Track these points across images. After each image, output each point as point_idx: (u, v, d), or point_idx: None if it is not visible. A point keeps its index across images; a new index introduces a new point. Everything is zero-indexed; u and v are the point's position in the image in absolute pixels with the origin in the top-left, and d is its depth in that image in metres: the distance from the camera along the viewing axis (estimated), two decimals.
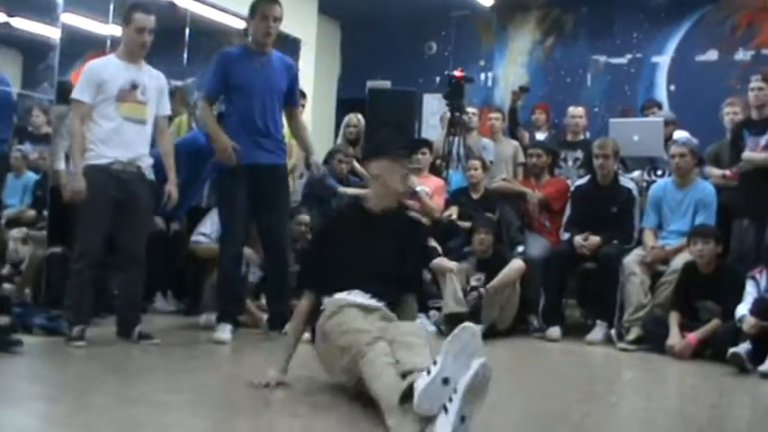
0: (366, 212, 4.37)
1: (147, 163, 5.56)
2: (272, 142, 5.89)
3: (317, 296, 4.25)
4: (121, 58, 5.53)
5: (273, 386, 4.18)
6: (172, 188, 5.67)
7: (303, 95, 8.94)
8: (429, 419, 3.13)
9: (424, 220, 7.28)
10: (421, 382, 3.18)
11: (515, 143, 8.81)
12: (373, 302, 4.04)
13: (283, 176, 6.07)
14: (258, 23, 5.80)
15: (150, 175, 5.59)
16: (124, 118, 5.43)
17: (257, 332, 6.13)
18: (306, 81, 11.38)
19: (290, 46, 11.56)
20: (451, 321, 4.71)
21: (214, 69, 5.92)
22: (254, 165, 5.77)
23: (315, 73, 11.78)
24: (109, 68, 5.46)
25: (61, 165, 6.41)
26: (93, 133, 5.37)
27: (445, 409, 3.04)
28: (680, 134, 7.59)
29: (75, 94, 5.42)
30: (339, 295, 4.09)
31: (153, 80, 5.63)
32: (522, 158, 8.53)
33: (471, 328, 3.20)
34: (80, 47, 7.90)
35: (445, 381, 3.09)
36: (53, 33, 7.19)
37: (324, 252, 4.38)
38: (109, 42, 8.16)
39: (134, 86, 5.48)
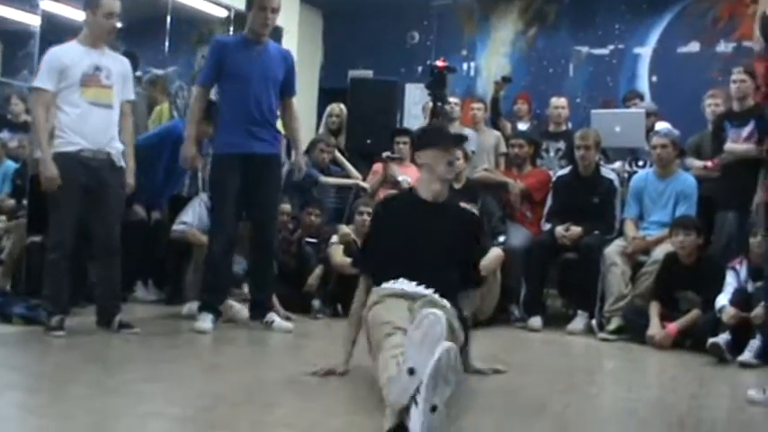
0: (417, 200, 4.41)
1: (116, 149, 5.48)
2: (267, 131, 5.89)
3: (373, 282, 4.28)
4: (83, 43, 5.44)
5: (339, 374, 4.25)
6: (129, 176, 5.58)
7: None
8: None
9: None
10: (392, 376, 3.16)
11: (497, 133, 8.81)
12: (420, 289, 4.04)
13: (276, 166, 6.07)
14: (257, 13, 5.80)
15: (120, 162, 5.50)
16: (90, 103, 5.35)
17: (238, 322, 6.11)
18: None
19: (272, 34, 11.51)
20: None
21: (208, 58, 5.93)
22: (248, 154, 5.76)
23: (297, 62, 11.68)
24: (70, 54, 5.37)
25: (39, 152, 6.35)
26: (60, 120, 5.30)
27: (415, 400, 2.99)
28: (661, 125, 7.61)
29: (36, 83, 5.34)
30: (386, 284, 4.12)
31: (116, 64, 5.55)
32: (503, 149, 8.53)
33: (433, 315, 3.15)
34: (60, 34, 7.82)
35: (411, 371, 3.02)
36: (33, 20, 7.14)
37: (377, 238, 4.45)
38: None
39: (97, 70, 5.40)
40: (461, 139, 5.04)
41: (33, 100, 5.40)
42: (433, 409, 2.95)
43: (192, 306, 6.22)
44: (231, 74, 5.80)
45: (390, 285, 4.10)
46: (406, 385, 3.03)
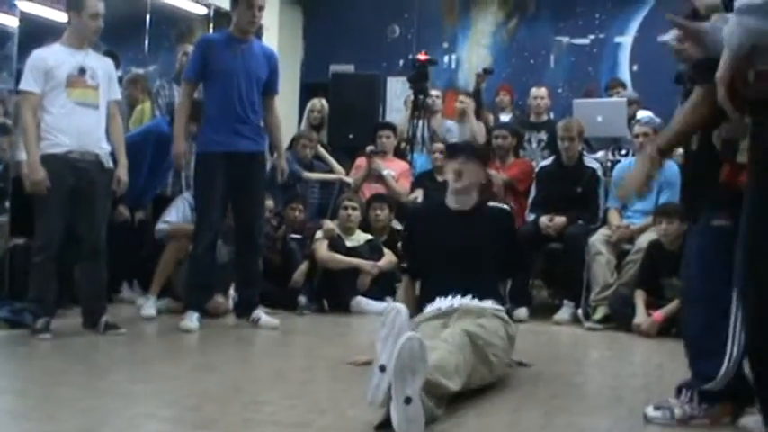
0: (445, 211, 4.49)
1: (104, 150, 5.48)
2: (251, 129, 5.89)
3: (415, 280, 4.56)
4: (67, 45, 5.43)
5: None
6: (122, 173, 5.55)
7: None
8: None
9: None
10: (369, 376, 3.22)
11: (480, 125, 8.81)
12: (456, 302, 4.15)
13: (261, 164, 6.07)
14: (243, 11, 5.81)
15: (109, 163, 5.49)
16: (76, 104, 5.34)
17: (224, 320, 6.10)
18: None
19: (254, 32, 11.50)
20: None
21: (193, 54, 5.97)
22: (232, 153, 5.76)
23: (278, 58, 11.69)
24: (55, 56, 5.36)
25: (22, 155, 6.27)
26: (46, 122, 5.28)
27: (391, 395, 3.03)
28: (643, 114, 7.63)
29: (23, 86, 5.32)
30: (426, 309, 4.24)
31: (101, 65, 5.55)
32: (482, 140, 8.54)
33: (395, 308, 3.25)
34: (39, 35, 7.79)
35: (382, 368, 3.09)
36: (11, 22, 7.08)
37: (414, 248, 4.58)
38: None
39: (82, 71, 5.39)
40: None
41: (20, 103, 5.38)
42: (407, 400, 2.99)
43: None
44: (216, 71, 5.80)
45: (428, 309, 4.22)
46: (378, 382, 3.10)
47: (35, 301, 5.28)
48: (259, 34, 9.88)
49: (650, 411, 3.58)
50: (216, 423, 3.35)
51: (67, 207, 5.31)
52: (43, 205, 5.27)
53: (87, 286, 5.58)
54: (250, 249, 6.02)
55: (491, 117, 9.10)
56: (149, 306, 6.18)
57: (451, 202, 4.46)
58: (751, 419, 3.38)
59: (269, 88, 6.06)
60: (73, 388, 3.92)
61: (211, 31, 9.93)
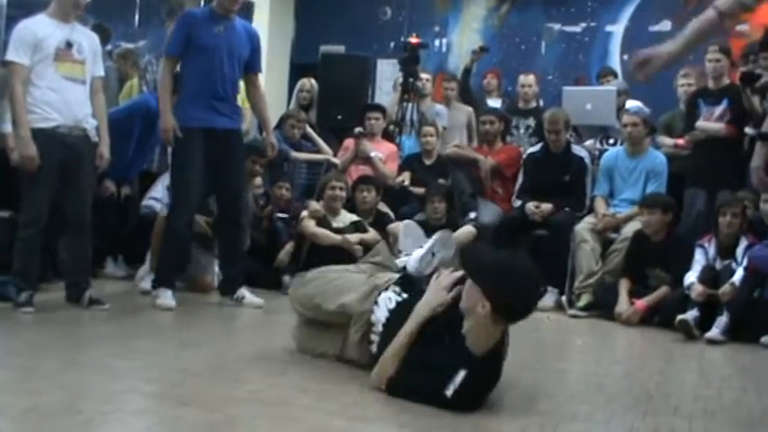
0: None
1: (91, 125, 5.42)
2: (229, 107, 5.84)
3: None
4: (53, 17, 5.33)
5: None
6: (104, 149, 5.49)
7: None
8: None
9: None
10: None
11: (469, 109, 8.81)
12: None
13: (239, 141, 6.04)
14: None
15: (95, 137, 5.44)
16: (64, 78, 5.27)
17: (209, 298, 6.09)
18: None
19: (244, 9, 11.40)
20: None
21: (177, 29, 5.86)
22: (210, 129, 5.72)
23: (268, 37, 11.64)
24: (42, 27, 5.26)
25: (7, 127, 6.22)
26: (34, 96, 5.20)
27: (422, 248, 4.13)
28: (632, 104, 7.63)
29: (11, 56, 5.20)
30: None
31: (87, 39, 5.47)
32: (474, 125, 8.54)
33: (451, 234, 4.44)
34: (26, 8, 7.73)
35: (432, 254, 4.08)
36: None
37: None
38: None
39: (69, 45, 5.31)
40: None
41: (9, 75, 5.27)
42: (433, 254, 4.06)
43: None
44: (198, 47, 5.72)
45: None
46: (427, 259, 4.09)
47: (19, 275, 5.25)
48: (250, 13, 9.88)
49: None
50: (198, 399, 3.35)
51: (55, 182, 5.27)
52: (31, 180, 5.21)
53: (72, 260, 5.54)
54: (233, 227, 5.99)
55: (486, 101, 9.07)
56: (147, 281, 6.04)
57: None
58: None
59: (251, 67, 6.01)
60: (55, 362, 3.90)
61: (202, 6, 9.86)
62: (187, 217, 5.85)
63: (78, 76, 5.36)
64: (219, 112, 5.77)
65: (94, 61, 5.52)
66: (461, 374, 3.33)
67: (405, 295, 3.89)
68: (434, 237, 4.27)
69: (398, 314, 3.76)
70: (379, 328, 3.83)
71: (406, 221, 5.14)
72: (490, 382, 3.50)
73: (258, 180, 6.89)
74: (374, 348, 3.83)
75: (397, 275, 4.13)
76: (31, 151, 5.12)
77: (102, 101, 5.64)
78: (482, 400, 3.45)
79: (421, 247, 4.24)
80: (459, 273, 3.71)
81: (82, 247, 5.50)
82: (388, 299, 3.89)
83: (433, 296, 3.69)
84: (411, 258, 4.25)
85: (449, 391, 3.33)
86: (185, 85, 5.80)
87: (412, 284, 3.99)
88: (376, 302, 3.89)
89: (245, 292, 5.95)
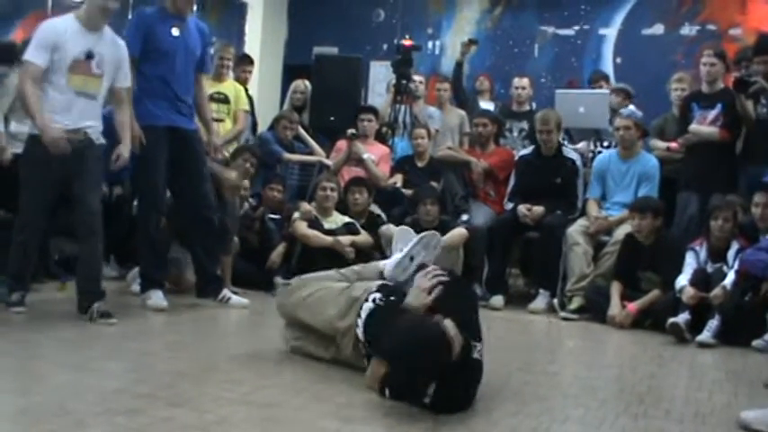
0: None
1: (94, 128, 5.21)
2: (187, 107, 5.78)
3: None
4: (81, 21, 5.12)
5: None
6: (124, 150, 5.28)
7: (251, 61, 8.87)
8: None
9: None
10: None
11: (462, 112, 8.82)
12: None
13: (198, 141, 5.90)
14: None
15: (99, 139, 5.25)
16: (75, 92, 5.08)
17: (196, 299, 6.05)
18: (252, 46, 11.28)
19: (237, 10, 11.46)
20: None
21: (134, 30, 5.67)
22: (173, 127, 5.65)
23: (261, 38, 11.68)
24: (66, 33, 5.05)
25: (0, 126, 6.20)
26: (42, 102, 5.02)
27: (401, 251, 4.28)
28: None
29: (28, 56, 4.98)
30: None
31: (112, 50, 5.24)
32: (467, 128, 8.55)
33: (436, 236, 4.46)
34: (20, 7, 7.74)
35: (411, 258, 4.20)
36: None
37: None
38: (50, 2, 7.99)
39: (89, 57, 5.10)
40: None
41: (21, 73, 5.11)
42: (411, 258, 4.19)
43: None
44: (156, 49, 5.59)
45: None
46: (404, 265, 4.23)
47: (12, 276, 5.17)
48: (243, 13, 9.88)
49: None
50: (189, 401, 3.35)
51: (55, 189, 5.13)
52: (29, 185, 5.11)
53: (82, 267, 5.26)
54: (206, 227, 5.89)
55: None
56: (158, 296, 5.77)
57: None
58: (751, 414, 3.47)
59: (200, 65, 5.93)
60: (46, 363, 3.90)
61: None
62: (157, 217, 5.79)
63: (90, 91, 5.15)
64: (180, 113, 5.71)
65: (119, 71, 5.30)
66: (432, 386, 3.34)
67: (392, 298, 3.89)
68: (414, 240, 4.33)
69: (376, 317, 3.78)
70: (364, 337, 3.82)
71: (403, 227, 5.15)
72: (468, 387, 3.50)
73: (245, 182, 6.86)
74: (364, 351, 3.83)
75: (377, 282, 4.09)
76: (56, 132, 4.92)
77: (127, 112, 5.41)
78: (466, 403, 3.46)
79: (401, 251, 4.25)
80: (442, 273, 3.74)
81: (92, 254, 5.24)
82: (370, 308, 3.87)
83: (414, 297, 3.72)
84: (388, 263, 4.27)
85: (426, 400, 3.35)
86: (143, 85, 5.62)
87: (394, 290, 3.97)
88: (359, 315, 3.86)
89: (228, 293, 5.92)
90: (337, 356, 4.05)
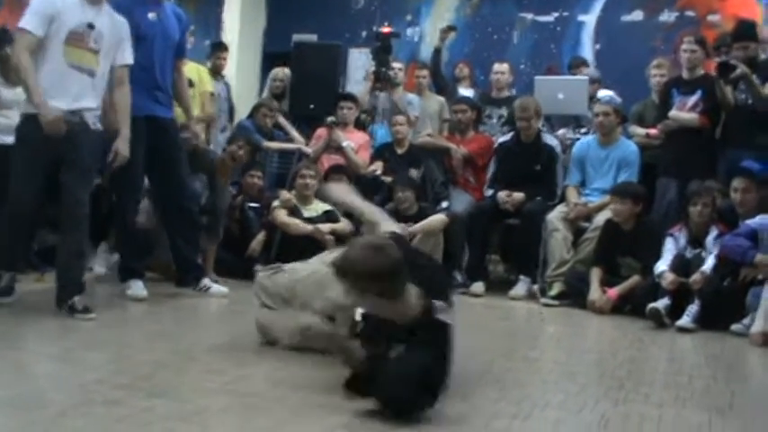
0: None
1: (92, 112, 5.02)
2: (165, 95, 5.72)
3: None
4: None
5: None
6: (122, 146, 5.16)
7: (225, 48, 8.83)
8: None
9: None
10: None
11: (441, 99, 8.80)
12: None
13: (176, 129, 5.86)
14: None
15: (96, 125, 5.07)
16: (69, 65, 4.86)
17: (176, 288, 6.02)
18: (231, 33, 11.24)
19: None
20: None
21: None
22: (151, 117, 5.58)
23: (240, 25, 11.62)
24: (65, 2, 4.85)
25: None
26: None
27: None
28: (604, 93, 7.64)
29: (24, 24, 4.78)
30: None
31: (111, 26, 5.07)
32: (447, 115, 8.54)
33: None
34: None
35: None
36: None
37: None
38: None
39: (88, 29, 4.89)
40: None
41: (17, 42, 4.91)
42: None
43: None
44: (135, 37, 5.39)
45: None
46: None
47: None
48: (221, 1, 9.82)
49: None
50: (169, 391, 3.34)
51: (46, 173, 4.93)
52: (20, 166, 4.92)
53: (62, 256, 5.04)
54: (184, 215, 5.86)
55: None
56: (138, 286, 5.69)
57: None
58: None
59: (178, 51, 5.88)
60: (26, 353, 3.88)
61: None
62: (135, 206, 5.77)
63: (86, 66, 4.95)
64: (158, 101, 5.66)
65: (120, 49, 5.15)
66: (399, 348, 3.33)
67: None
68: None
69: None
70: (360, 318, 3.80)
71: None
72: (438, 354, 3.38)
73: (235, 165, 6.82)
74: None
75: None
76: (54, 113, 4.75)
77: (127, 93, 5.24)
78: (441, 373, 3.34)
79: None
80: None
81: (75, 247, 5.00)
82: None
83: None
84: None
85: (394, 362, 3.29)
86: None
87: None
88: None
89: (207, 282, 5.91)
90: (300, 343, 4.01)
